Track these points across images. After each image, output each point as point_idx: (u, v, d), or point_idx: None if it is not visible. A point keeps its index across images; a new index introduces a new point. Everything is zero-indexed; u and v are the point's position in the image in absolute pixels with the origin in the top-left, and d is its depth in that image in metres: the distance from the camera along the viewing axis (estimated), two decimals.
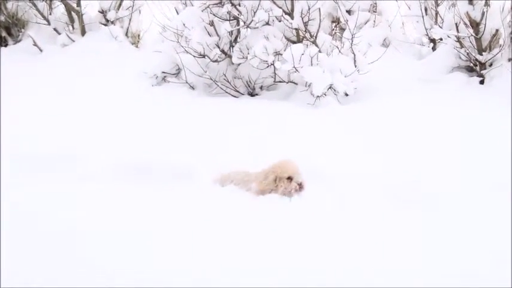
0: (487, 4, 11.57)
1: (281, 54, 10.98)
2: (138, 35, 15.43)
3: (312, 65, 10.61)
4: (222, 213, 5.54)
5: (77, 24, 15.03)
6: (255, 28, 11.34)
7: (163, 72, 12.07)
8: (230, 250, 4.60)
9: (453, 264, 4.23)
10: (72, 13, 15.04)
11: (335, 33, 11.72)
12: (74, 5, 14.94)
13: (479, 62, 11.77)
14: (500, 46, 11.69)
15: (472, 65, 11.92)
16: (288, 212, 5.78)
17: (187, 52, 11.60)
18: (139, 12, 15.49)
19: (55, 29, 15.10)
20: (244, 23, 11.38)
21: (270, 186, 6.28)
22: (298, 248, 4.67)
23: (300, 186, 6.32)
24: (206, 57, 11.63)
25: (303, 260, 4.45)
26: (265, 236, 4.92)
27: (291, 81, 11.37)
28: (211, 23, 11.64)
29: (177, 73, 12.01)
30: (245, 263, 4.36)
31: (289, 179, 6.29)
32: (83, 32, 14.97)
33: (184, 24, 11.74)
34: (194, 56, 11.59)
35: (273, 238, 4.87)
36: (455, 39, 11.86)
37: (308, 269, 4.28)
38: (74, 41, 14.71)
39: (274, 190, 6.29)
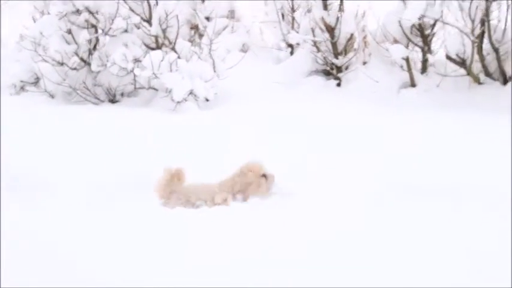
0: (341, 10, 11.98)
1: (140, 61, 10.99)
2: None
3: (171, 71, 10.67)
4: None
5: None
6: (113, 36, 11.35)
7: (22, 81, 11.88)
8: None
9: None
10: None
11: (194, 39, 11.80)
12: None
13: (336, 66, 12.15)
14: (355, 50, 12.11)
15: (328, 68, 12.28)
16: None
17: (46, 61, 11.46)
18: None
19: None
20: (103, 30, 11.35)
21: (249, 179, 6.19)
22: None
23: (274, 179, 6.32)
24: (65, 65, 11.53)
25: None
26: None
27: (151, 88, 11.39)
28: (69, 31, 11.54)
29: (36, 82, 11.86)
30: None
31: (264, 176, 6.25)
32: None
33: (41, 33, 11.59)
34: (52, 65, 11.47)
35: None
36: (312, 43, 12.20)
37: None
38: None
39: (249, 185, 6.21)
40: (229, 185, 6.27)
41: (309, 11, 12.26)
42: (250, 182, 6.23)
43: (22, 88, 11.92)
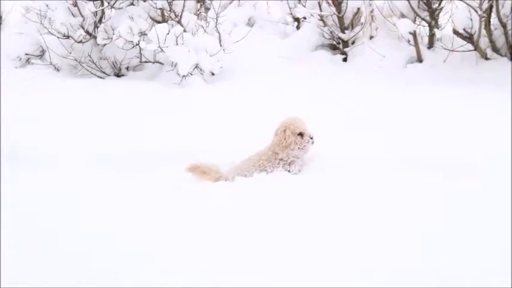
0: None
1: (146, 35, 10.96)
2: (0, 17, 14.98)
3: (177, 44, 10.63)
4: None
5: None
6: (119, 8, 11.31)
7: (27, 54, 11.85)
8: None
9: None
10: None
11: (200, 13, 11.73)
12: None
13: (342, 40, 12.11)
14: (362, 24, 12.06)
15: (335, 43, 12.25)
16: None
17: (51, 33, 11.43)
18: None
19: None
20: (109, 3, 11.29)
21: (291, 139, 6.15)
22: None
23: (312, 140, 6.27)
24: (70, 38, 11.49)
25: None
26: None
27: (157, 62, 11.38)
28: (75, 4, 11.49)
29: (41, 55, 11.83)
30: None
31: (301, 134, 6.21)
32: None
33: (47, 5, 11.55)
34: (58, 37, 11.43)
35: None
36: (319, 17, 12.15)
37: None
38: None
39: (288, 146, 6.17)
40: (270, 153, 6.26)
41: None
42: (286, 138, 6.18)
43: (27, 61, 11.88)
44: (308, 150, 6.25)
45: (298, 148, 6.18)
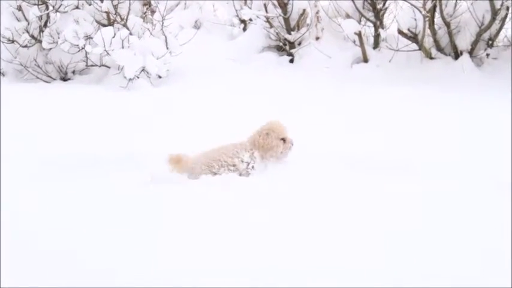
0: None
1: (92, 38, 10.89)
2: None
3: (123, 47, 10.59)
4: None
5: None
6: (64, 12, 11.21)
7: None
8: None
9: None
10: None
11: (146, 15, 11.69)
12: None
13: (289, 42, 12.18)
14: (308, 25, 12.14)
15: (281, 44, 12.30)
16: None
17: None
18: None
19: None
20: (53, 7, 11.19)
21: (272, 142, 6.02)
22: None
23: (292, 145, 6.19)
24: (15, 42, 11.35)
25: None
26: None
27: (103, 65, 11.30)
28: (19, 8, 11.37)
29: None
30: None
31: (283, 140, 6.11)
32: None
33: None
34: (3, 42, 11.29)
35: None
36: (265, 19, 12.20)
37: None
38: None
39: (271, 149, 6.04)
40: (249, 144, 6.11)
41: None
42: (270, 143, 6.08)
43: None
44: (287, 155, 6.26)
45: (281, 153, 6.19)
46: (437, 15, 11.03)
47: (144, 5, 12.01)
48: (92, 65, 11.44)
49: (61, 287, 3.74)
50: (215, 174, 5.87)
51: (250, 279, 3.74)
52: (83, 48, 10.98)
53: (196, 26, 13.33)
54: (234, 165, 5.94)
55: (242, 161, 5.97)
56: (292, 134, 6.24)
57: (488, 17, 10.64)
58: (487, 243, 4.13)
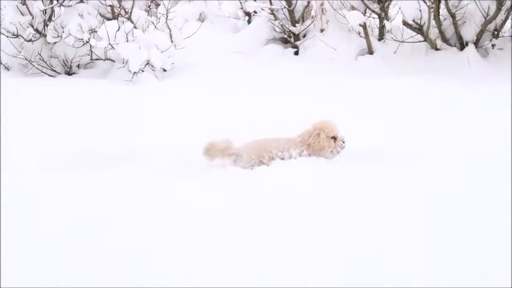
0: None
1: (96, 32, 10.89)
2: None
3: (127, 41, 10.58)
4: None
5: None
6: (68, 6, 11.19)
7: None
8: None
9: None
10: None
11: (150, 9, 11.67)
12: None
13: (293, 34, 12.16)
14: (313, 17, 12.13)
15: (286, 36, 12.29)
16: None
17: (0, 32, 11.28)
18: None
19: None
20: (57, 1, 11.18)
21: (323, 143, 6.04)
22: None
23: (344, 144, 6.18)
24: (20, 37, 11.33)
25: None
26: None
27: (108, 59, 11.28)
28: (24, 2, 11.35)
29: None
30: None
31: (334, 138, 6.12)
32: None
33: None
34: (7, 36, 11.28)
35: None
36: (269, 11, 12.18)
37: None
38: None
39: (321, 150, 6.05)
40: (299, 141, 6.14)
41: None
42: (319, 141, 6.08)
43: None
44: (339, 153, 6.25)
45: (331, 152, 6.18)
46: (442, 6, 11.00)
47: None
48: (96, 59, 11.43)
49: (61, 287, 3.73)
50: (262, 164, 6.02)
51: (249, 280, 3.74)
52: (87, 42, 10.97)
53: (201, 18, 13.33)
54: (282, 159, 6.05)
55: (290, 157, 6.06)
56: (297, 126, 6.24)
57: (493, 8, 10.59)
58: (486, 243, 4.10)
